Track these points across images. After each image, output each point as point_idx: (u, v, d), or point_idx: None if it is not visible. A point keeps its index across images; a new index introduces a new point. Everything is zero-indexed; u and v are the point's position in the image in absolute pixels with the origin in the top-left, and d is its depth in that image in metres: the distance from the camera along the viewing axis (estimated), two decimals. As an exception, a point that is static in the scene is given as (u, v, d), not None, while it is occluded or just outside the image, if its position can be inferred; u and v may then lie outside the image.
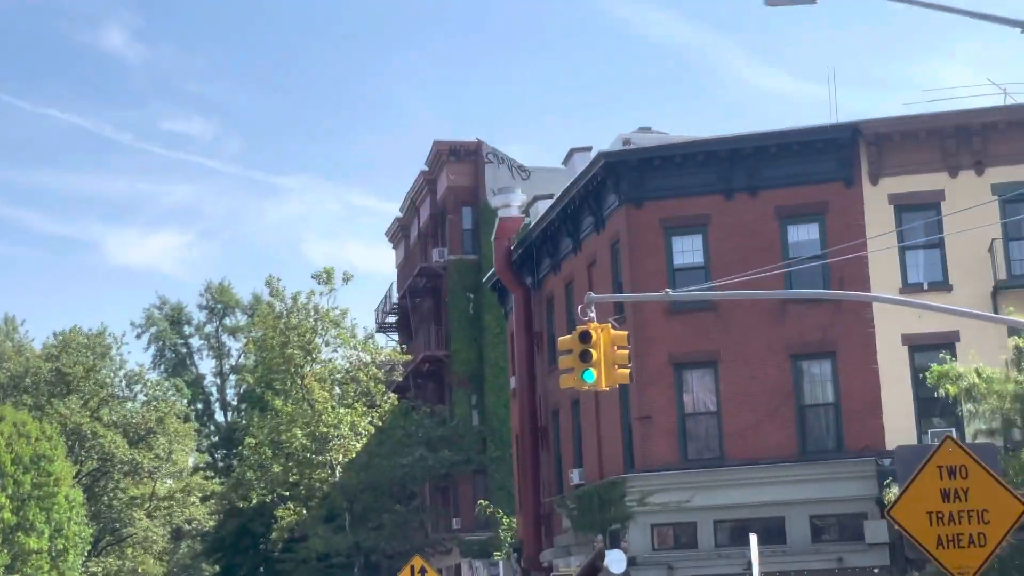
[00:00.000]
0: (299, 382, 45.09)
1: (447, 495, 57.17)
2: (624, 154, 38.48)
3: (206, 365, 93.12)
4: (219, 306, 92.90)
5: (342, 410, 44.48)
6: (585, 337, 24.07)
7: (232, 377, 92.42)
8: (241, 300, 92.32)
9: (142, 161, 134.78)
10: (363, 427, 44.61)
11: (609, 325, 24.54)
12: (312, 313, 45.44)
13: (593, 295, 24.98)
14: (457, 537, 52.64)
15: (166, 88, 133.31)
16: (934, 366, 32.27)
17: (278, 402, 46.44)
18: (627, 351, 24.55)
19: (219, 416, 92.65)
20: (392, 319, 67.26)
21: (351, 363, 46.29)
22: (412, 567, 37.48)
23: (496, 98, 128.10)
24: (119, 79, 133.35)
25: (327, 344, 45.96)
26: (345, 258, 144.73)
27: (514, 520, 49.91)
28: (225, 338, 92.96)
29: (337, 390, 45.32)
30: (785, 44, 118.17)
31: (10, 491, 54.24)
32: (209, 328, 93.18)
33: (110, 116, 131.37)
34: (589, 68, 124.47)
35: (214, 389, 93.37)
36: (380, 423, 45.53)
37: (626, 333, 24.81)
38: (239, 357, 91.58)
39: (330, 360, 46.15)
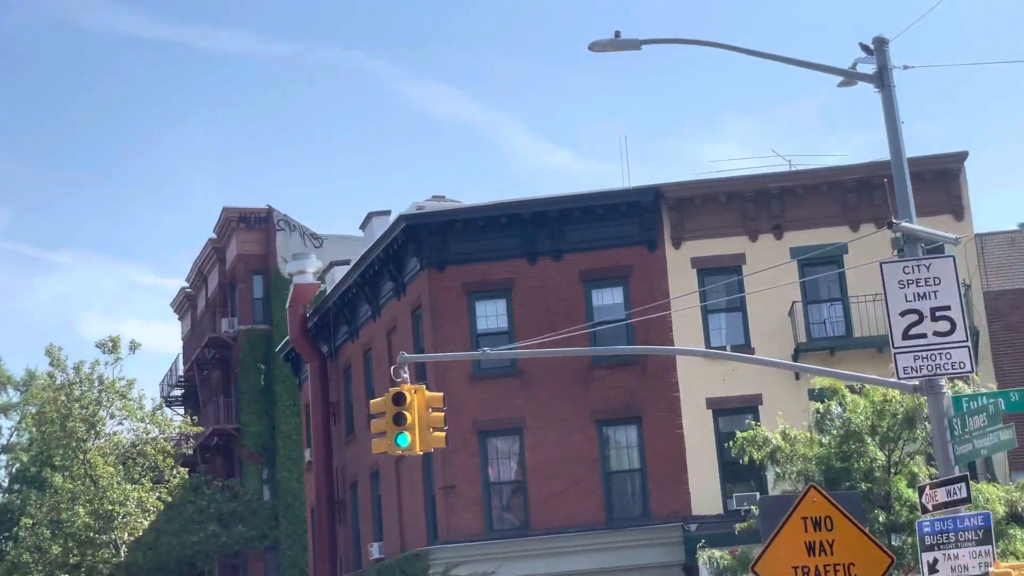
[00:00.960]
0: (81, 457, 42.65)
1: (237, 574, 54.97)
2: (426, 217, 37.73)
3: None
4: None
5: (128, 486, 42.21)
6: (399, 399, 23.04)
7: (2, 457, 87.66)
8: (13, 376, 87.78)
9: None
10: (151, 503, 42.38)
11: (423, 387, 23.58)
12: (96, 384, 43.21)
13: (406, 355, 24.01)
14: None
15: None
16: (738, 433, 32.15)
17: (58, 478, 43.85)
18: (443, 413, 23.61)
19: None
20: (178, 392, 64.86)
21: (138, 436, 44.13)
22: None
23: (282, 172, 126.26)
24: None
25: (112, 416, 43.70)
26: (124, 335, 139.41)
27: (309, 599, 48.14)
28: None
29: (121, 466, 43.01)
30: (566, 123, 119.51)
31: None
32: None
33: None
34: (375, 142, 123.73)
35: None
36: (169, 499, 43.39)
37: (441, 395, 23.85)
38: (11, 436, 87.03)
39: (115, 433, 43.91)
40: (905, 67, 18.52)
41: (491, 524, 36.51)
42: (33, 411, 44.82)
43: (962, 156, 37.21)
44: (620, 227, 37.47)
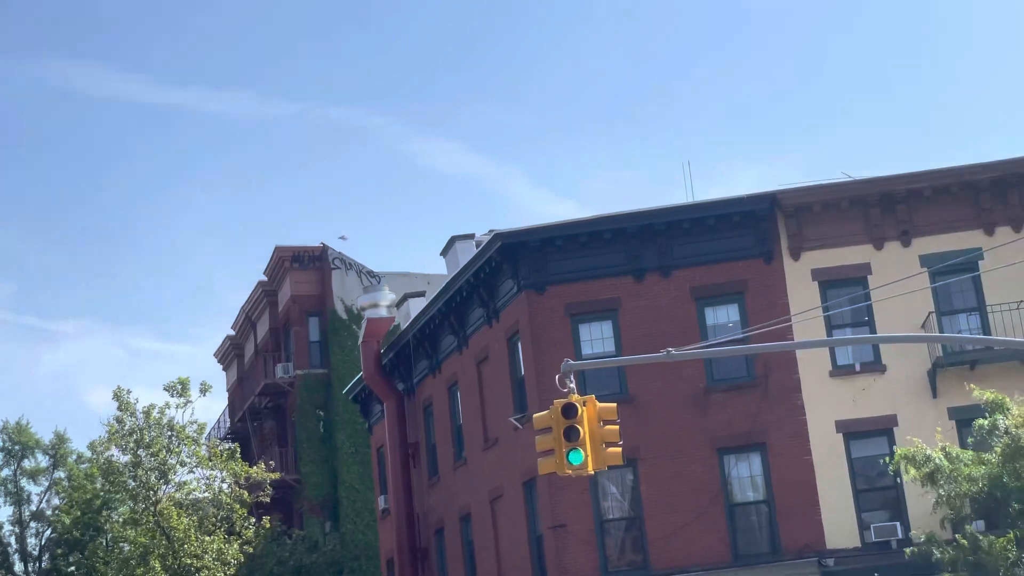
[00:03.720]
0: (152, 508, 39.41)
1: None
2: (523, 234, 34.85)
3: (2, 513, 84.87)
4: (16, 447, 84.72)
5: (206, 537, 38.96)
6: (569, 411, 20.07)
7: (33, 524, 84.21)
8: (42, 439, 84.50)
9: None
10: (232, 555, 39.08)
11: (593, 397, 20.61)
12: (166, 429, 40.08)
13: (572, 362, 21.03)
14: None
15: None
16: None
17: (130, 532, 40.50)
18: (616, 427, 20.61)
19: (18, 567, 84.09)
20: (225, 447, 61.64)
21: (209, 485, 41.00)
22: None
23: (291, 233, 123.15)
24: None
25: (182, 464, 40.51)
26: (143, 398, 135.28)
27: (386, 658, 44.82)
28: (24, 482, 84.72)
29: (194, 516, 39.79)
30: (566, 175, 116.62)
31: None
32: (6, 472, 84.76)
33: None
34: (385, 198, 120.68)
35: (12, 539, 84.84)
36: (251, 550, 40.13)
37: (615, 406, 20.86)
38: (40, 502, 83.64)
39: (185, 482, 40.77)
40: None
41: (606, 565, 33.38)
42: (99, 460, 41.24)
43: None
44: (733, 239, 34.61)
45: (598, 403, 20.51)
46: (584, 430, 20.09)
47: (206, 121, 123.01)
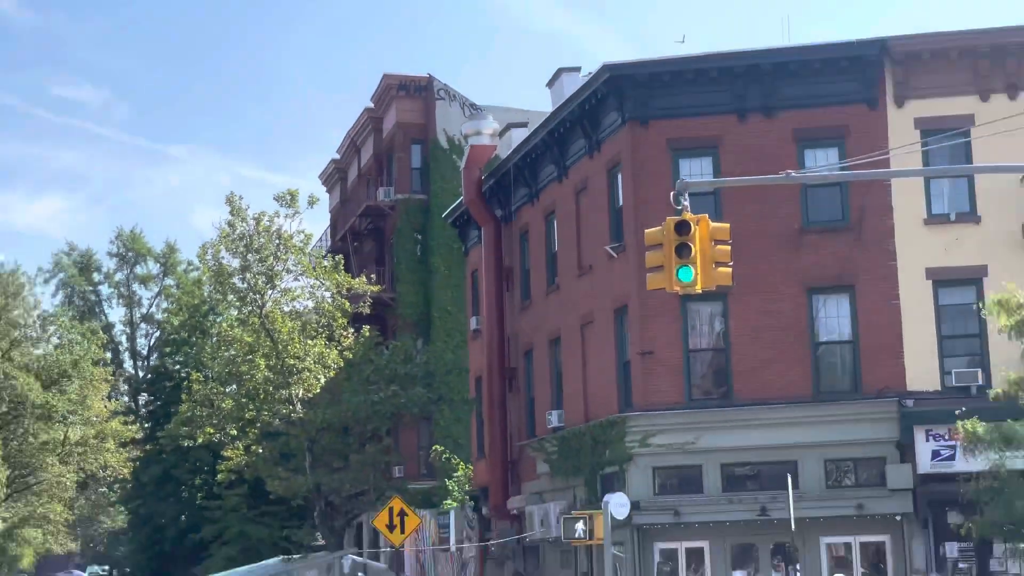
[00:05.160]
0: (258, 311, 39.16)
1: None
2: (631, 67, 33.40)
3: (115, 314, 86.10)
4: (130, 254, 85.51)
5: (309, 341, 38.74)
6: (683, 227, 19.02)
7: (143, 326, 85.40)
8: (153, 248, 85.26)
9: (30, 125, 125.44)
10: (332, 359, 38.86)
11: (707, 217, 19.52)
12: (275, 237, 39.59)
13: (688, 179, 19.91)
14: (402, 484, 47.19)
15: (57, 54, 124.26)
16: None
17: (238, 331, 40.43)
18: (728, 247, 19.55)
19: (128, 364, 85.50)
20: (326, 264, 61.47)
21: (312, 294, 40.67)
22: (391, 509, 32.30)
23: (385, 66, 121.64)
24: (9, 43, 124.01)
25: (288, 272, 40.12)
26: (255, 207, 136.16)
27: (469, 468, 44.72)
28: (136, 287, 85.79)
29: (298, 321, 39.59)
30: (662, 38, 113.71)
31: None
32: (120, 276, 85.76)
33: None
34: (469, 55, 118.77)
35: (123, 339, 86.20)
36: (350, 355, 39.92)
37: (728, 226, 19.77)
38: (150, 306, 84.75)
39: (290, 289, 40.41)
40: None
41: (690, 393, 32.60)
42: (210, 262, 40.65)
43: None
44: (839, 83, 32.90)
45: (711, 223, 19.43)
46: (696, 248, 19.06)
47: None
